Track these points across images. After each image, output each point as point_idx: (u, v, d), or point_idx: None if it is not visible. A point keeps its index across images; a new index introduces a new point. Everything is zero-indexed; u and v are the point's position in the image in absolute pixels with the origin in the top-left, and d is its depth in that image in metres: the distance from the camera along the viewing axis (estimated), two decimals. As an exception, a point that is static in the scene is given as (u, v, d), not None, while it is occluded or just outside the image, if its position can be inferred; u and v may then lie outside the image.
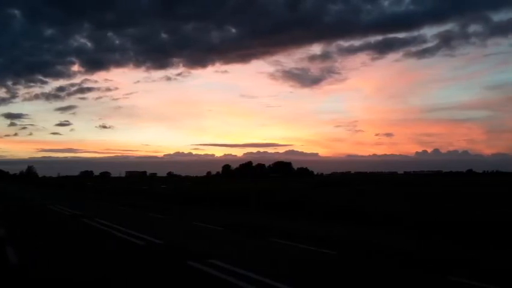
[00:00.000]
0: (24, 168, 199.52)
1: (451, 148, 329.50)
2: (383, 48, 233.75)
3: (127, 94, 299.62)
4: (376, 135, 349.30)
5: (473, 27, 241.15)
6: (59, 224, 18.93)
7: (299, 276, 8.23)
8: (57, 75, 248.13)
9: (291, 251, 11.07)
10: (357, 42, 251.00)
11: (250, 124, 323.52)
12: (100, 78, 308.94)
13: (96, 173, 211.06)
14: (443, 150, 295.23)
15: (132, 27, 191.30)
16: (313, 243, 11.90)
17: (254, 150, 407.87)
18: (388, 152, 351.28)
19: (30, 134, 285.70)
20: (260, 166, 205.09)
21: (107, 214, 22.27)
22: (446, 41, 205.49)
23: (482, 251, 10.96)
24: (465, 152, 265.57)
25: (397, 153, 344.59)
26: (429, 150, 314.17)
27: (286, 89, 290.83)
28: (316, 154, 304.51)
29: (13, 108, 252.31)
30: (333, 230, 15.06)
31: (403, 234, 13.78)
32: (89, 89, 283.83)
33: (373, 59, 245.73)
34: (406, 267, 9.07)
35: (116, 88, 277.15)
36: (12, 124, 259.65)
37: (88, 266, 9.45)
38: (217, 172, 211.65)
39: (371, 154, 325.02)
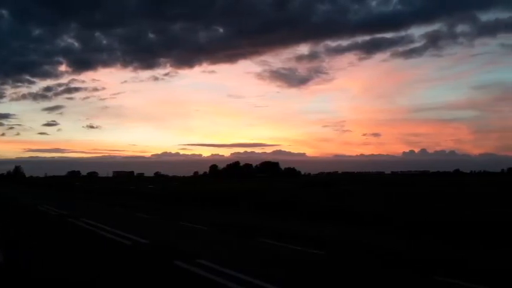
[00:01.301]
0: (11, 168, 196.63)
1: (438, 148, 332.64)
2: (370, 48, 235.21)
3: (114, 94, 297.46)
4: (364, 135, 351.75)
5: (460, 27, 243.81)
6: (46, 224, 18.68)
7: (289, 277, 8.09)
8: (45, 75, 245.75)
9: (282, 251, 10.93)
10: (344, 42, 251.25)
11: (237, 124, 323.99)
12: (87, 78, 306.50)
13: (84, 173, 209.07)
14: (430, 150, 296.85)
15: (119, 27, 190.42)
16: (303, 243, 11.74)
17: (241, 150, 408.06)
18: (375, 152, 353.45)
19: (18, 134, 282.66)
20: (247, 166, 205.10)
21: (94, 214, 21.98)
22: (433, 41, 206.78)
23: (471, 251, 10.93)
24: (452, 152, 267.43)
25: (385, 153, 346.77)
26: (416, 150, 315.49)
27: (273, 89, 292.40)
28: (304, 154, 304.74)
29: (0, 108, 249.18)
30: (323, 230, 14.96)
31: (393, 234, 13.71)
32: (76, 89, 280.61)
33: (361, 59, 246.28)
34: (395, 267, 9.00)
35: (103, 88, 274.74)
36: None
37: (74, 266, 9.23)
38: (205, 172, 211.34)
39: (358, 154, 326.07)
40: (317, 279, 8.04)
